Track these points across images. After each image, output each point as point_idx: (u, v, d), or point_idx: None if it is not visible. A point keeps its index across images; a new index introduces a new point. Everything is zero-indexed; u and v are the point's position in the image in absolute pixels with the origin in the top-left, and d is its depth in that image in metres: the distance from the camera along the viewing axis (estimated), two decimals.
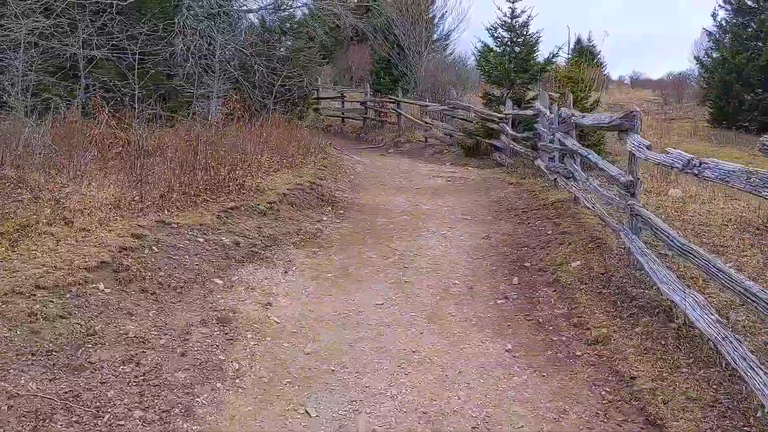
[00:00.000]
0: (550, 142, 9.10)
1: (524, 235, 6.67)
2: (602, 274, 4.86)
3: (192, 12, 13.53)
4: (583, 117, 5.77)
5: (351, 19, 17.38)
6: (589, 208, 6.36)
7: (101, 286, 3.99)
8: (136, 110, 8.73)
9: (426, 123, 15.56)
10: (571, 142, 6.61)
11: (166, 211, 5.72)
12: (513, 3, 12.98)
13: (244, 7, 16.29)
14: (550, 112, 8.57)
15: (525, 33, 13.00)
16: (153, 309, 4.03)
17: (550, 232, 6.46)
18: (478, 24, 35.56)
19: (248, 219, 6.30)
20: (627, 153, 5.24)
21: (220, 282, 4.76)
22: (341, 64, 34.04)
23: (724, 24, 21.62)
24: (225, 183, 7.00)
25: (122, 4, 11.95)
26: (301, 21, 17.19)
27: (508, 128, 11.61)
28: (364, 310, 4.64)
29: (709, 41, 22.42)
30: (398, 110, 16.99)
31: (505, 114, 11.89)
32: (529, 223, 7.09)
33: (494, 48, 13.42)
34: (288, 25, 17.16)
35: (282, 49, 16.32)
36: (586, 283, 4.80)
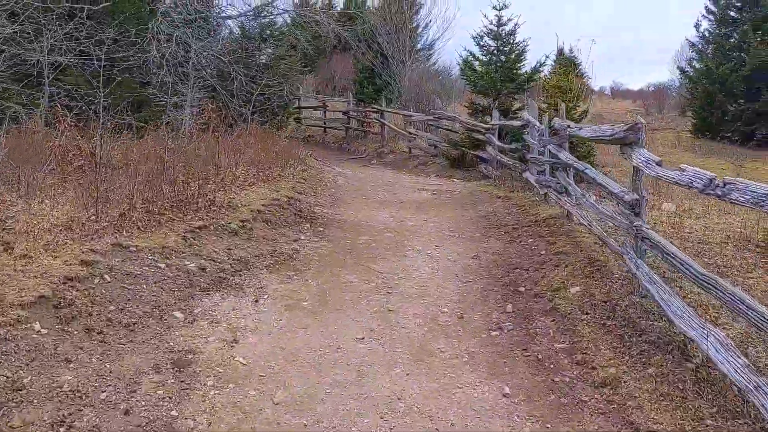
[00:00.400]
0: (539, 154, 8.72)
1: (516, 255, 6.23)
2: (605, 302, 4.43)
3: (168, 18, 12.99)
4: (580, 129, 5.38)
5: (333, 27, 16.97)
6: (584, 225, 5.95)
7: (37, 327, 3.45)
8: (100, 120, 8.16)
9: (410, 133, 15.15)
10: (566, 156, 6.20)
11: (124, 233, 5.18)
12: (499, 11, 12.66)
13: (223, 14, 15.80)
14: (540, 123, 8.18)
15: (512, 41, 12.66)
16: (97, 353, 3.49)
17: (543, 252, 6.03)
18: (463, 32, 35.40)
19: (217, 239, 5.78)
20: (627, 168, 4.85)
21: (180, 316, 4.23)
22: (324, 73, 33.67)
23: (707, 35, 21.63)
24: (194, 199, 6.47)
25: (93, 9, 11.40)
26: (282, 28, 16.73)
27: (494, 139, 11.23)
28: (343, 345, 4.15)
29: (692, 51, 22.38)
30: (382, 120, 16.56)
31: (492, 124, 11.51)
32: (520, 241, 6.66)
33: (480, 57, 13.08)
34: (268, 32, 16.69)
35: (262, 57, 15.83)
36: (587, 313, 4.36)
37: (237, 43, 16.53)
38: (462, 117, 13.58)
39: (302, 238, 6.73)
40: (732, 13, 20.93)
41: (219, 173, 7.95)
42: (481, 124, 11.94)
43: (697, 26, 21.86)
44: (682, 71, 23.37)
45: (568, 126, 5.87)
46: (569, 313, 4.44)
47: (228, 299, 4.72)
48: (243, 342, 4.07)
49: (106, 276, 4.31)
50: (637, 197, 4.24)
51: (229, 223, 6.23)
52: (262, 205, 7.10)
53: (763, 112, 19.14)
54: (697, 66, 21.81)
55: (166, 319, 4.12)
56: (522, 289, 5.25)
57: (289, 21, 20.22)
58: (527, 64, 12.86)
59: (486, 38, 12.94)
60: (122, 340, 3.73)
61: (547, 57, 12.64)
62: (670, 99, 34.85)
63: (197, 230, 5.74)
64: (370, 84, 23.67)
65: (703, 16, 21.67)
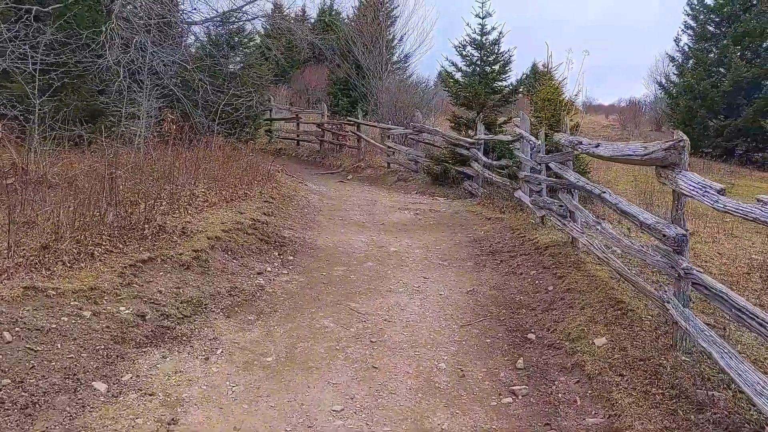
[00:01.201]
0: (532, 172, 7.96)
1: (518, 291, 5.38)
2: (642, 360, 3.58)
3: (127, 23, 11.95)
4: (597, 145, 4.56)
5: (307, 34, 16.15)
6: (596, 256, 5.13)
7: None
8: (36, 130, 7.12)
9: (388, 147, 14.32)
10: (573, 176, 5.40)
11: (44, 270, 4.17)
12: (483, 19, 11.98)
13: (188, 19, 14.79)
14: (536, 138, 7.41)
15: (496, 51, 11.97)
16: None
17: (551, 287, 5.19)
18: (444, 42, 34.81)
19: (165, 276, 4.78)
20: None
21: (101, 387, 3.24)
22: (297, 84, 32.92)
23: (687, 49, 21.41)
24: (140, 225, 5.46)
25: (42, 10, 10.33)
26: (251, 36, 15.77)
27: (480, 155, 10.46)
28: (316, 421, 3.21)
29: (672, 65, 22.15)
30: (358, 133, 15.70)
31: (477, 139, 10.75)
32: (521, 273, 5.82)
33: (463, 67, 12.35)
34: (237, 39, 15.73)
35: (230, 65, 14.85)
36: (621, 374, 3.51)
37: (203, 50, 15.59)
38: (444, 131, 12.80)
39: (269, 270, 5.77)
40: (711, 28, 20.76)
41: (175, 193, 6.97)
42: (466, 138, 11.17)
43: (676, 41, 21.68)
44: (662, 86, 23.11)
45: (579, 142, 5.05)
46: (598, 374, 3.58)
47: (170, 357, 3.74)
48: (185, 421, 3.10)
49: (6, 334, 3.30)
50: (683, 232, 3.42)
51: (181, 254, 5.24)
52: (223, 230, 6.13)
53: (743, 128, 18.88)
54: (677, 81, 21.57)
55: (81, 394, 3.12)
56: (532, 336, 4.39)
57: (260, 29, 19.32)
58: (512, 75, 12.20)
59: (469, 47, 12.24)
60: (14, 430, 2.73)
61: (533, 68, 11.91)
62: (645, 114, 34.95)
63: (140, 264, 4.75)
64: (345, 96, 22.90)
65: (682, 30, 21.49)
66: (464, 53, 12.26)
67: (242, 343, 4.12)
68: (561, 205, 5.99)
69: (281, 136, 19.81)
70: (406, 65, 24.72)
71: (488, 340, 4.41)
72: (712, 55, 20.28)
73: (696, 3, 21.06)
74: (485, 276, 5.94)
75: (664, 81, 23.30)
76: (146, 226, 5.50)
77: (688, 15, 21.34)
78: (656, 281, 4.64)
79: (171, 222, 5.88)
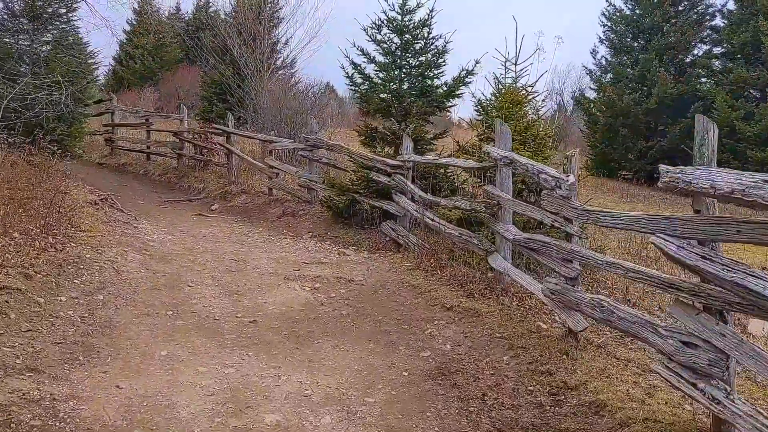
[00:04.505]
0: (511, 227, 4.45)
1: None
2: None
3: None
4: None
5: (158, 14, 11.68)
6: None
7: None
8: None
9: (270, 167, 10.26)
10: None
11: None
12: None
13: None
14: (564, 173, 3.82)
15: (425, 36, 8.42)
16: None
17: None
18: (343, 36, 30.65)
19: None
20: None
21: None
22: (168, 87, 28.11)
23: (605, 62, 19.51)
24: None
25: None
26: (71, 3, 10.97)
27: (410, 184, 6.85)
28: None
29: (591, 80, 20.17)
30: (228, 146, 11.46)
31: (404, 160, 7.13)
32: None
33: (378, 58, 8.67)
34: (49, 10, 10.88)
35: (30, 44, 10.01)
36: None
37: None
38: (351, 147, 9.01)
39: None
40: (629, 40, 19.01)
41: None
42: (386, 158, 7.46)
43: (593, 53, 19.69)
44: (578, 102, 21.09)
45: None
46: None
47: None
48: None
49: None
50: None
51: None
52: None
53: (669, 149, 17.10)
54: (594, 96, 19.62)
55: None
56: None
57: None
58: (448, 71, 8.71)
59: (385, 30, 8.59)
60: None
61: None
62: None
63: None
64: (221, 101, 18.55)
65: (599, 41, 19.60)
66: (379, 38, 8.59)
67: None
68: (699, 345, 2.40)
69: (127, 147, 14.95)
70: (293, 71, 20.68)
71: None
72: (630, 70, 18.42)
73: (612, 12, 19.28)
74: None
75: (578, 94, 21.43)
76: None
77: (604, 26, 19.50)
78: None
79: None
